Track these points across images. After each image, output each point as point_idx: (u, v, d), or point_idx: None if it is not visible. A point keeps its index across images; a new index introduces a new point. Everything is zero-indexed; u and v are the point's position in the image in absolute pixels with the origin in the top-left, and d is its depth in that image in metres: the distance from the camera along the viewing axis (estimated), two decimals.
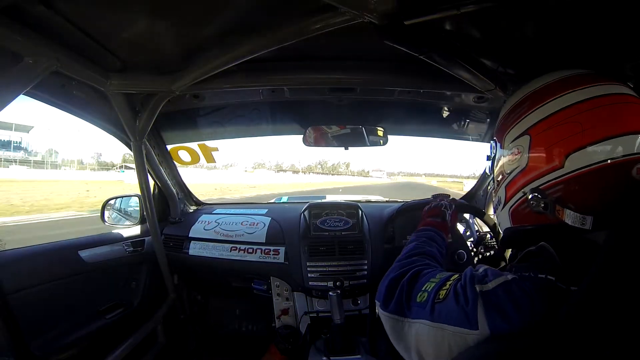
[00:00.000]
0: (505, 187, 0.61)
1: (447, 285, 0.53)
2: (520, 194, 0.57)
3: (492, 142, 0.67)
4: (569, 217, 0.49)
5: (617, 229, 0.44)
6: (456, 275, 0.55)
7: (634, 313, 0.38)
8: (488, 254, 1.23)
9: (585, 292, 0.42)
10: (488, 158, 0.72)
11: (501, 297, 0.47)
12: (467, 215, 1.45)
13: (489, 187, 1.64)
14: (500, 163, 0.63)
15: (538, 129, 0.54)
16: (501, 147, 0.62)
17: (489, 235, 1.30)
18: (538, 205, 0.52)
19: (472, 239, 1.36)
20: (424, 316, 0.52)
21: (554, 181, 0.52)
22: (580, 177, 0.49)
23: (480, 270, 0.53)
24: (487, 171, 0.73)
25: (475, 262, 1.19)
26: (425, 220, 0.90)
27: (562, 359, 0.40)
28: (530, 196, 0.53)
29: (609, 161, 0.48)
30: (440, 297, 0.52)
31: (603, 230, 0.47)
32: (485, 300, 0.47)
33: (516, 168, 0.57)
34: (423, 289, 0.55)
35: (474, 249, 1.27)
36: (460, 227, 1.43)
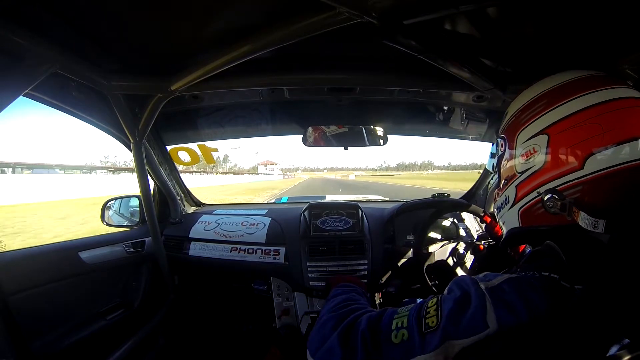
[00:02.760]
0: (516, 186, 0.59)
1: (432, 311, 0.50)
2: (534, 194, 0.55)
3: (499, 139, 0.65)
4: (583, 220, 0.48)
5: (625, 230, 0.44)
6: (434, 299, 0.52)
7: (638, 312, 0.38)
8: (487, 244, 1.22)
9: (590, 290, 0.42)
10: (492, 156, 0.70)
11: (507, 291, 0.46)
12: (466, 215, 1.45)
13: (489, 187, 1.64)
14: (510, 161, 0.61)
15: (557, 128, 0.53)
16: (511, 145, 0.61)
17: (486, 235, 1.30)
18: (555, 206, 0.51)
19: (471, 239, 1.36)
20: (416, 353, 0.48)
21: (572, 182, 0.51)
22: (600, 179, 0.49)
23: (481, 275, 0.52)
24: (491, 169, 0.72)
25: (474, 260, 1.19)
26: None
27: (565, 357, 0.40)
28: (546, 197, 0.52)
29: (629, 163, 0.48)
30: (432, 324, 0.48)
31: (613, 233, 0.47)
32: (492, 295, 0.47)
33: (531, 167, 0.56)
34: (394, 328, 0.51)
35: (473, 248, 1.27)
36: (469, 224, 1.43)
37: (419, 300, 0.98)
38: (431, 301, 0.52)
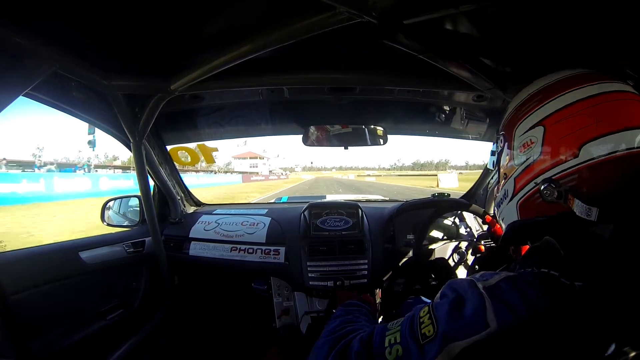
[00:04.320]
0: (514, 179, 0.61)
1: (426, 320, 0.49)
2: (531, 185, 0.57)
3: (499, 137, 0.67)
4: (577, 207, 0.50)
5: (624, 223, 0.44)
6: (425, 308, 0.52)
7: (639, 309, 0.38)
8: (488, 244, 1.22)
9: (590, 287, 0.42)
10: (492, 153, 0.72)
11: (505, 289, 0.46)
12: (466, 214, 1.45)
13: (489, 186, 1.64)
14: (508, 156, 0.63)
15: (552, 119, 0.55)
16: (510, 141, 0.62)
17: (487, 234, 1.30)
18: (552, 195, 0.53)
19: (471, 238, 1.37)
20: None
21: (567, 171, 0.52)
22: (594, 166, 0.51)
23: (477, 275, 0.52)
24: (492, 167, 0.73)
25: (474, 259, 1.19)
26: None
27: (565, 354, 0.40)
28: (543, 186, 0.54)
29: (620, 152, 0.49)
30: (429, 334, 0.47)
31: (609, 224, 0.48)
32: (490, 294, 0.46)
33: (528, 159, 0.58)
34: (387, 345, 0.50)
35: (473, 248, 1.27)
36: (470, 223, 1.43)
37: (422, 298, 0.97)
38: (422, 311, 0.51)
